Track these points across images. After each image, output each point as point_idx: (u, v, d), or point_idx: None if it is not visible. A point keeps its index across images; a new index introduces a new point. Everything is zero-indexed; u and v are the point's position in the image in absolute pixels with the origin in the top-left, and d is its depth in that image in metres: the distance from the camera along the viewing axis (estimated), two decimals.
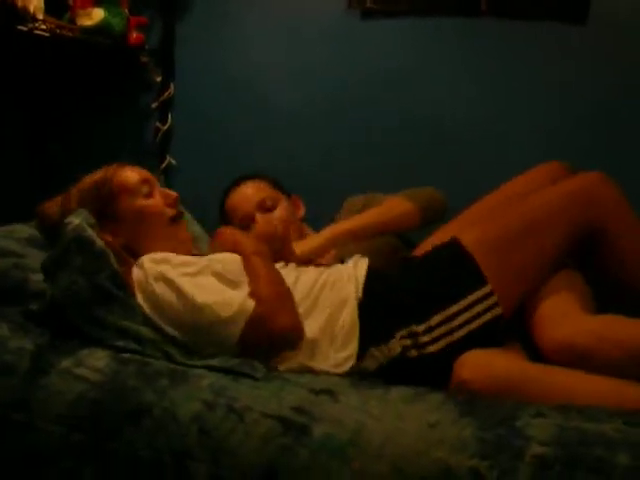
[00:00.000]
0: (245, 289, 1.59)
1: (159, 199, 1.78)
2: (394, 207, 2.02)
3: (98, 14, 2.34)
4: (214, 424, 1.30)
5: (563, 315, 1.58)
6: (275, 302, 1.55)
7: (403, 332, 1.58)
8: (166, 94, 2.65)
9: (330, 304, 1.64)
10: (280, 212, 2.17)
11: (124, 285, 1.60)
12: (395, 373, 1.53)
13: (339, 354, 1.59)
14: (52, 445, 1.36)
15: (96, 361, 1.45)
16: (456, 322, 1.59)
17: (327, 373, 1.54)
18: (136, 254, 1.69)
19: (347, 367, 1.57)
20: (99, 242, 1.59)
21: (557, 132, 2.40)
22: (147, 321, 1.58)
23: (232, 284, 1.60)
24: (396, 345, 1.57)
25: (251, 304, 1.53)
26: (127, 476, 1.32)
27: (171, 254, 1.66)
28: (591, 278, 1.74)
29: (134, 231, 1.72)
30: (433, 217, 2.03)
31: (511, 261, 1.65)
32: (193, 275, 1.59)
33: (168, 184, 2.38)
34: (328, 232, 1.95)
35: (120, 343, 1.51)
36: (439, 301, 1.61)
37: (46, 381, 1.41)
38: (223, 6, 2.63)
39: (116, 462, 1.33)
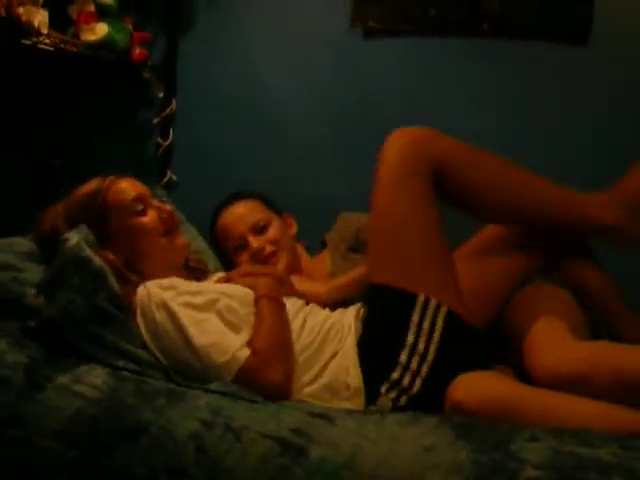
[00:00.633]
0: (245, 334, 1.58)
1: (153, 215, 1.76)
2: None
3: (102, 29, 2.36)
4: (211, 443, 1.30)
5: (553, 342, 1.57)
6: (270, 355, 1.53)
7: (386, 386, 1.56)
8: (168, 110, 2.66)
9: (336, 367, 1.62)
10: (273, 232, 2.18)
11: (123, 306, 1.58)
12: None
13: (343, 404, 1.58)
14: (48, 461, 1.36)
15: (94, 378, 1.44)
16: (421, 346, 1.57)
17: None
18: (138, 270, 1.70)
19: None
20: (97, 261, 1.57)
21: (558, 152, 2.40)
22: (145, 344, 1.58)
23: (234, 327, 1.59)
24: (385, 401, 1.55)
25: (245, 354, 1.51)
26: None
27: (179, 280, 1.67)
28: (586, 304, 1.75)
29: (131, 248, 1.72)
30: None
31: (412, 259, 1.63)
32: (197, 309, 1.57)
33: (169, 199, 2.38)
34: (356, 274, 1.95)
35: (119, 363, 1.51)
36: (395, 340, 1.59)
37: (43, 396, 1.41)
38: (226, 23, 2.65)
39: (112, 479, 1.32)
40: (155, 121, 2.68)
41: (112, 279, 1.59)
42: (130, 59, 2.52)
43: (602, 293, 1.79)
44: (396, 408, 1.53)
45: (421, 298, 1.60)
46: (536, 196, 1.71)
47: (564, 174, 1.82)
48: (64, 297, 1.53)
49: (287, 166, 2.61)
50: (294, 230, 2.33)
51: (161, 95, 2.67)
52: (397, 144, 1.66)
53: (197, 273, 1.90)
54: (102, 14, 2.40)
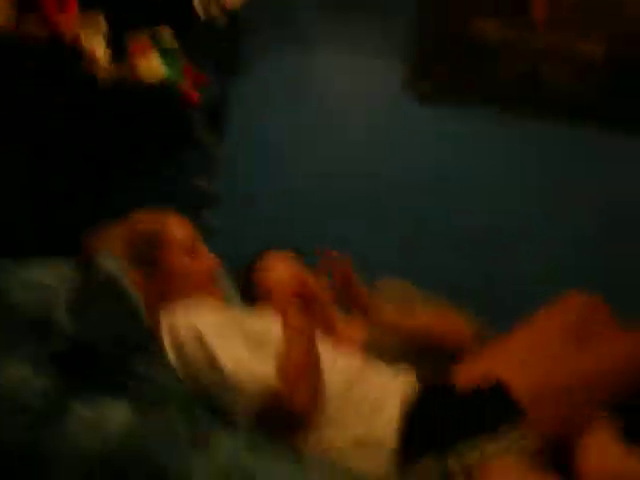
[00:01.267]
0: (271, 363, 1.54)
1: (204, 260, 1.78)
2: (461, 329, 2.02)
3: (160, 69, 2.34)
4: None
5: None
6: (296, 379, 1.51)
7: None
8: (214, 153, 2.64)
9: (367, 424, 1.56)
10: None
11: (153, 335, 1.57)
12: None
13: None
14: None
15: (117, 413, 1.41)
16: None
17: None
18: (166, 299, 1.68)
19: None
20: (131, 289, 1.57)
21: None
22: (173, 373, 1.54)
23: (261, 353, 1.56)
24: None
25: (273, 382, 1.48)
26: None
27: (207, 306, 1.67)
28: None
29: (172, 283, 1.71)
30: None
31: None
32: (225, 337, 1.56)
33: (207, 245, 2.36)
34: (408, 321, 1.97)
35: (146, 393, 1.47)
36: None
37: (64, 428, 1.38)
38: (281, 75, 2.66)
39: None
40: (199, 164, 2.65)
41: (143, 306, 1.57)
42: (183, 100, 2.50)
43: None
44: None
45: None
46: None
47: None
48: (95, 323, 1.52)
49: (324, 225, 2.61)
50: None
51: (208, 138, 2.64)
52: None
53: None
54: (160, 51, 2.39)
